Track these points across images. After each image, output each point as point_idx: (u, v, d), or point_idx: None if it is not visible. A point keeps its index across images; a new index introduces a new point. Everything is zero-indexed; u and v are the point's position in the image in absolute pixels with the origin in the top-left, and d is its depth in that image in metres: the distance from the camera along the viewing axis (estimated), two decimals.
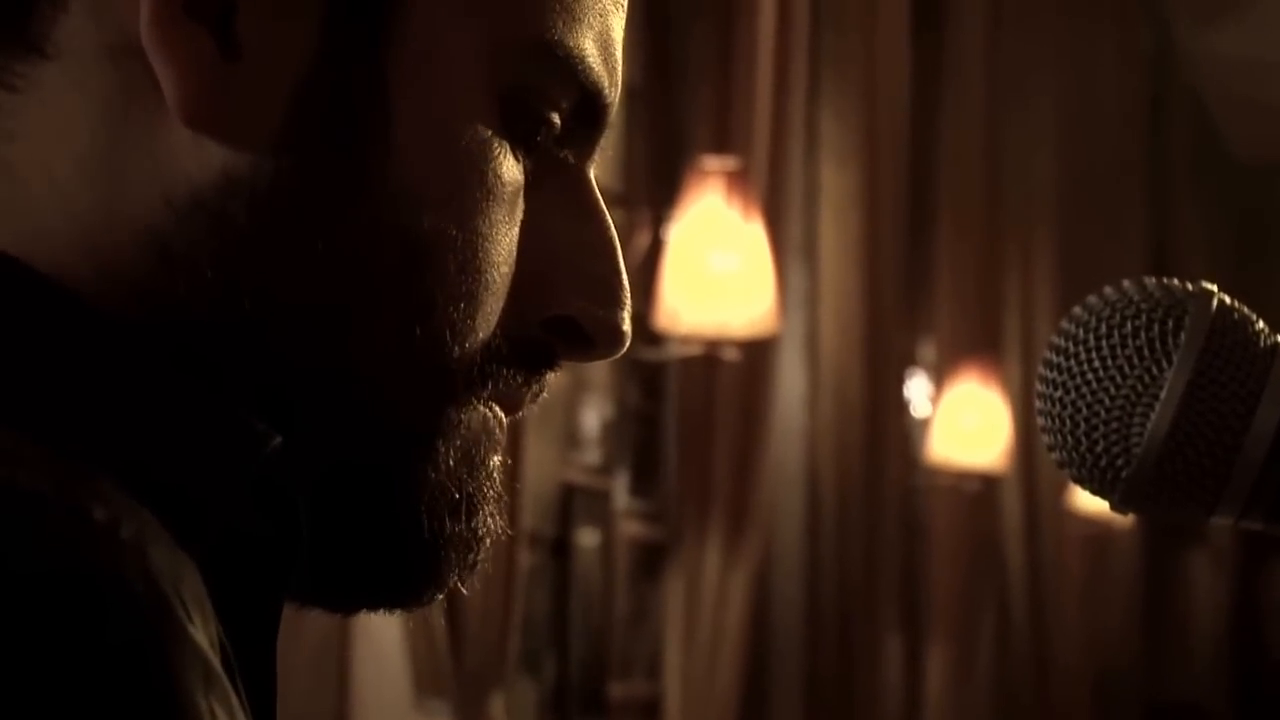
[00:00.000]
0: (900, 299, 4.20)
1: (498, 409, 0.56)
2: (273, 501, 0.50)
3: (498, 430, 0.56)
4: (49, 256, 0.50)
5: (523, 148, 0.55)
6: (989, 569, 4.76)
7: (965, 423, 4.35)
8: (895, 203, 4.14)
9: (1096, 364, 0.60)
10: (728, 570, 3.48)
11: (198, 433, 0.50)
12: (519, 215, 0.55)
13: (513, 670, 2.94)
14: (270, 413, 0.51)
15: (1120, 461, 0.59)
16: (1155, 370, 0.59)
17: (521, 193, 0.55)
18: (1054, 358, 0.61)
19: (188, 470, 0.49)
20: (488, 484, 0.55)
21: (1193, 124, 6.54)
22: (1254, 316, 0.61)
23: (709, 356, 3.31)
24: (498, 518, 0.56)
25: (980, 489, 4.50)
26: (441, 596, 0.55)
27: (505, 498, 0.56)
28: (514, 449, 2.85)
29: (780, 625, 4.06)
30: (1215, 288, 0.61)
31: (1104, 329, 0.60)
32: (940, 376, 4.50)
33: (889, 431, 4.12)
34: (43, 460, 0.45)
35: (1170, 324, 0.60)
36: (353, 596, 0.55)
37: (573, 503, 3.35)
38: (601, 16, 0.56)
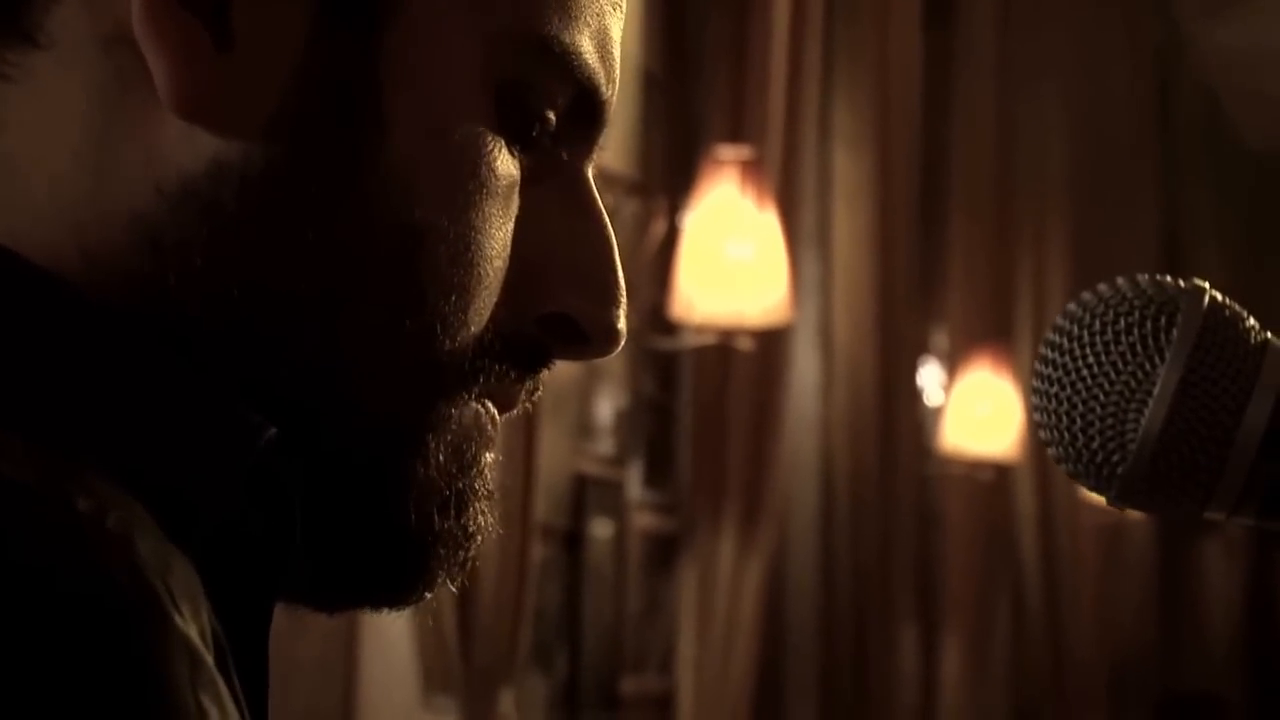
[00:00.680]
0: (913, 287, 4.19)
1: (491, 405, 0.55)
2: (267, 493, 0.49)
3: (490, 427, 0.55)
4: (40, 246, 0.50)
5: (518, 144, 0.54)
6: (1003, 558, 4.75)
7: (978, 411, 4.33)
8: (908, 191, 4.13)
9: (1090, 360, 0.60)
10: (742, 561, 3.47)
11: (192, 423, 0.49)
12: (514, 211, 0.54)
13: (523, 666, 2.92)
14: (261, 403, 0.50)
15: (1116, 458, 0.60)
16: (1148, 367, 0.60)
17: (516, 188, 0.54)
18: (1049, 354, 0.61)
19: (181, 461, 0.49)
20: (479, 481, 0.55)
21: (1202, 113, 6.51)
22: (1245, 313, 0.61)
23: (723, 346, 3.30)
24: (489, 515, 0.55)
25: (993, 478, 4.48)
26: (431, 595, 0.54)
27: (499, 494, 0.55)
28: (527, 440, 2.83)
29: (795, 616, 4.04)
30: (1208, 284, 0.62)
31: (1098, 325, 0.60)
32: (953, 365, 4.48)
33: (902, 420, 4.11)
34: (28, 451, 0.45)
35: (1163, 321, 0.60)
36: (340, 594, 0.55)
37: (585, 494, 3.33)
38: (599, 15, 0.55)
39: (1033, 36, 4.93)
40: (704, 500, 3.46)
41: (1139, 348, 0.60)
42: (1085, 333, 0.61)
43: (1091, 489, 0.62)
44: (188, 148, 0.50)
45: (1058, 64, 5.03)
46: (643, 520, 3.59)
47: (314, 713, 2.58)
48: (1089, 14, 5.28)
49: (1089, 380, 0.60)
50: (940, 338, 4.69)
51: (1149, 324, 0.60)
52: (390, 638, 2.69)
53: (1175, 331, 0.60)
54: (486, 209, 0.53)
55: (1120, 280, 0.62)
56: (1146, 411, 0.59)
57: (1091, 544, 5.07)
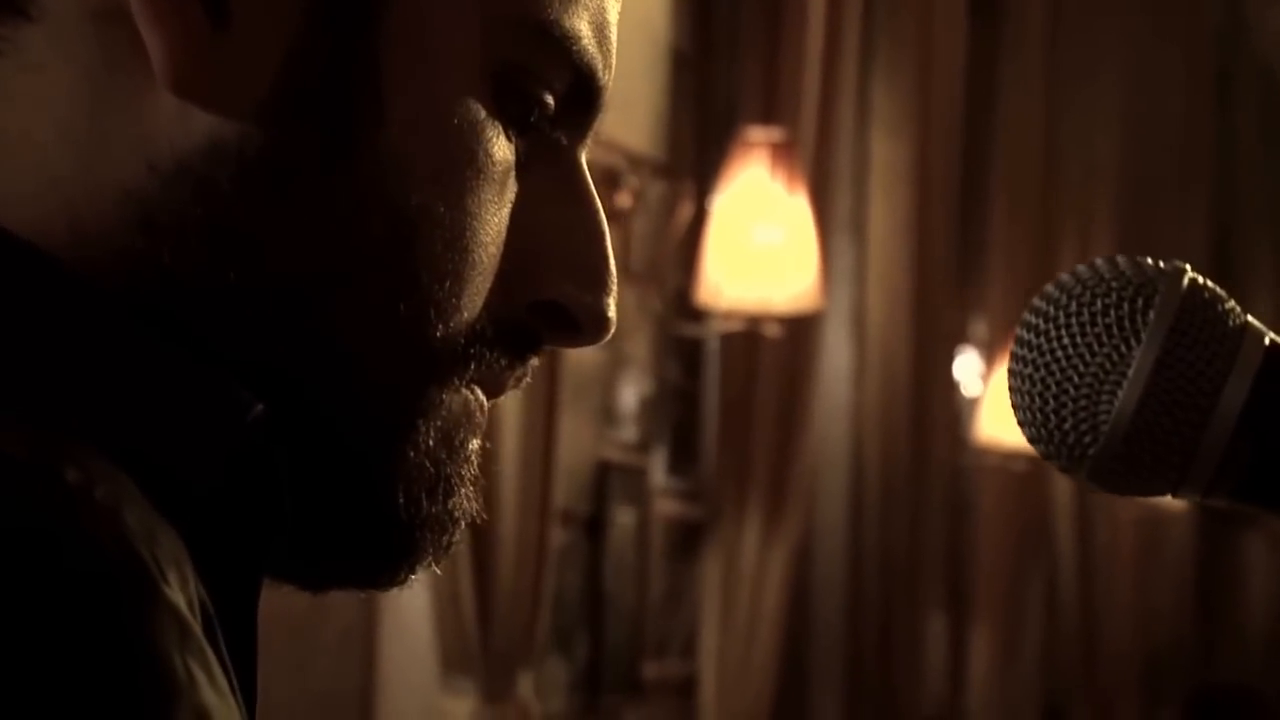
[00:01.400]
0: (951, 275, 4.12)
1: (479, 392, 0.55)
2: (255, 469, 0.49)
3: (478, 414, 0.55)
4: (29, 222, 0.50)
5: (515, 128, 0.54)
6: (1037, 549, 4.69)
7: None
8: (948, 177, 4.05)
9: (1066, 341, 0.60)
10: (766, 550, 3.44)
11: (180, 398, 0.49)
12: (509, 196, 0.54)
13: (542, 649, 2.92)
14: (252, 382, 0.50)
15: (1088, 439, 0.59)
16: (1124, 348, 0.59)
17: (512, 173, 0.54)
18: (1024, 334, 0.60)
19: (169, 436, 0.49)
20: (466, 467, 0.55)
21: (1263, 100, 6.37)
22: (1225, 295, 0.61)
23: (750, 333, 3.25)
24: (474, 501, 0.55)
25: (1029, 468, 4.41)
26: (414, 578, 0.55)
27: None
28: (548, 425, 2.81)
29: (821, 605, 4.01)
30: (1188, 266, 0.60)
31: (1074, 306, 0.60)
32: (991, 355, 4.41)
33: (937, 410, 4.05)
34: (17, 424, 0.45)
35: (1140, 302, 0.59)
36: (325, 572, 0.55)
37: (608, 480, 3.30)
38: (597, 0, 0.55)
39: (1086, 21, 4.83)
40: (729, 488, 3.43)
41: (1115, 329, 0.59)
42: (1062, 314, 0.60)
43: (1063, 470, 0.61)
44: (182, 126, 0.50)
45: (1111, 49, 4.92)
46: (666, 507, 3.56)
47: (334, 694, 2.59)
48: None
49: (1064, 361, 0.59)
50: (979, 327, 4.62)
51: (1126, 305, 0.59)
52: (410, 620, 2.69)
53: (1152, 313, 0.59)
54: (482, 194, 0.53)
55: (1099, 261, 0.61)
56: (1121, 392, 0.59)
57: (1129, 536, 5.00)
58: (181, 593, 0.44)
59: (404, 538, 0.54)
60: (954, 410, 4.35)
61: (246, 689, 0.48)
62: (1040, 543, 4.70)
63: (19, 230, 0.49)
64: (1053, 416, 0.60)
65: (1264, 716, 5.83)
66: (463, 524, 0.54)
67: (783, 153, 3.17)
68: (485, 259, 0.53)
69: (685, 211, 3.33)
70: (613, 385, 3.35)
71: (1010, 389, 0.61)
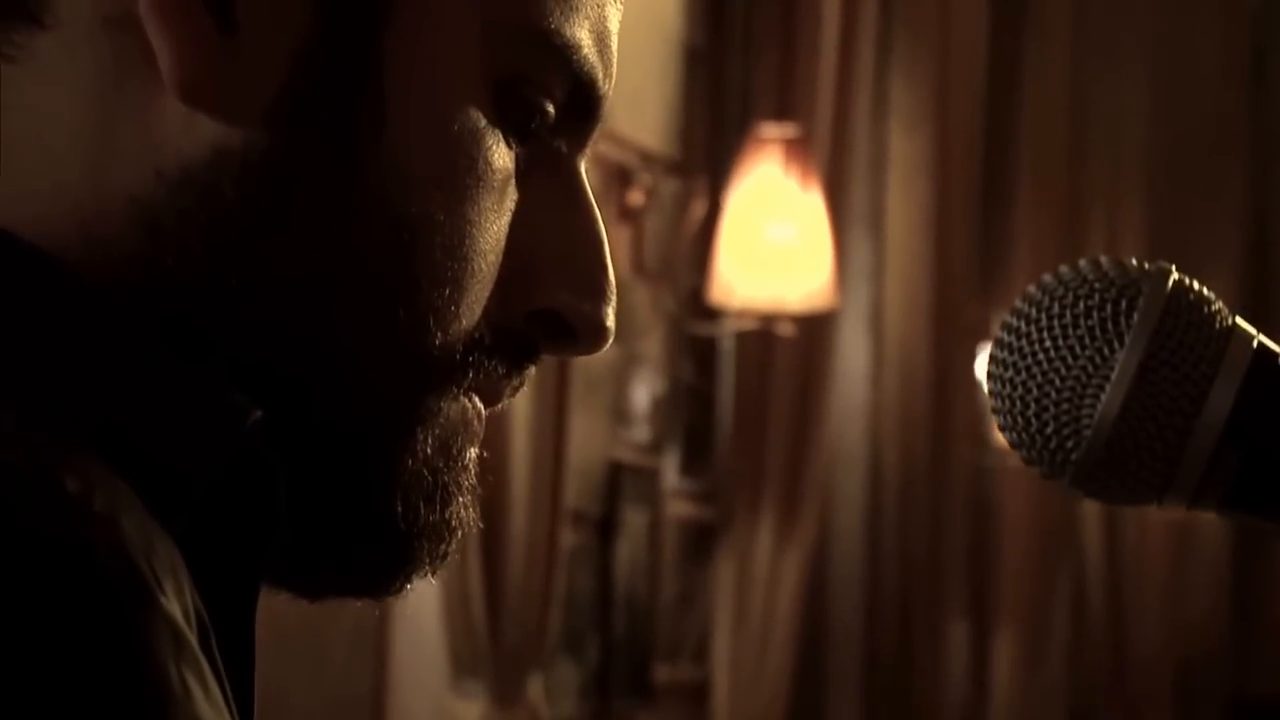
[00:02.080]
0: (972, 271, 4.06)
1: (477, 400, 0.55)
2: (253, 475, 0.50)
3: (476, 422, 0.55)
4: (38, 225, 0.50)
5: (515, 136, 0.55)
6: (1063, 552, 4.61)
7: None
8: (968, 173, 3.99)
9: (1048, 343, 0.59)
10: (780, 553, 3.41)
11: (179, 404, 0.50)
12: (509, 204, 0.55)
13: (552, 651, 2.91)
14: (251, 387, 0.51)
15: (1070, 444, 0.58)
16: (1107, 351, 0.58)
17: (512, 182, 0.55)
18: (1006, 337, 0.60)
19: (167, 442, 0.49)
20: (464, 475, 0.55)
21: None
22: (1212, 297, 0.59)
23: (765, 331, 3.22)
24: (472, 510, 0.56)
25: None
26: (410, 586, 0.55)
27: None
28: (559, 425, 2.78)
29: (838, 610, 3.95)
30: (1173, 267, 0.59)
31: (1056, 308, 0.59)
32: None
33: (957, 409, 3.99)
34: (16, 431, 0.45)
35: (1124, 304, 0.58)
36: (323, 581, 0.55)
37: (620, 481, 3.28)
38: (599, 8, 0.56)
39: (1113, 5, 4.73)
40: (742, 490, 3.41)
41: (1098, 331, 0.58)
42: (1044, 315, 0.59)
43: (1045, 476, 0.60)
44: (188, 133, 0.51)
45: (1140, 32, 4.81)
46: (678, 508, 3.52)
47: (344, 696, 2.59)
48: None
49: (1045, 364, 0.59)
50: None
51: (1109, 306, 0.58)
52: (420, 622, 2.70)
53: (1136, 314, 0.58)
54: (482, 202, 0.53)
55: (1083, 262, 0.60)
56: (1103, 396, 0.58)
57: (1160, 541, 4.91)
58: (178, 603, 0.44)
59: (401, 546, 0.54)
60: (976, 410, 4.28)
61: (243, 698, 0.49)
62: (1067, 545, 4.62)
63: (26, 231, 0.50)
64: (1034, 420, 0.59)
65: None
66: (460, 533, 0.55)
67: (797, 148, 3.14)
68: (485, 267, 0.54)
69: (698, 209, 3.29)
70: (625, 384, 3.32)
71: (990, 392, 0.60)
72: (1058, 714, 4.60)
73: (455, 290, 0.53)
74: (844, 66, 3.39)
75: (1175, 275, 0.59)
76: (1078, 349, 0.58)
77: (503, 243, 0.54)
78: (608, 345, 0.57)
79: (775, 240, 3.13)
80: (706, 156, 3.44)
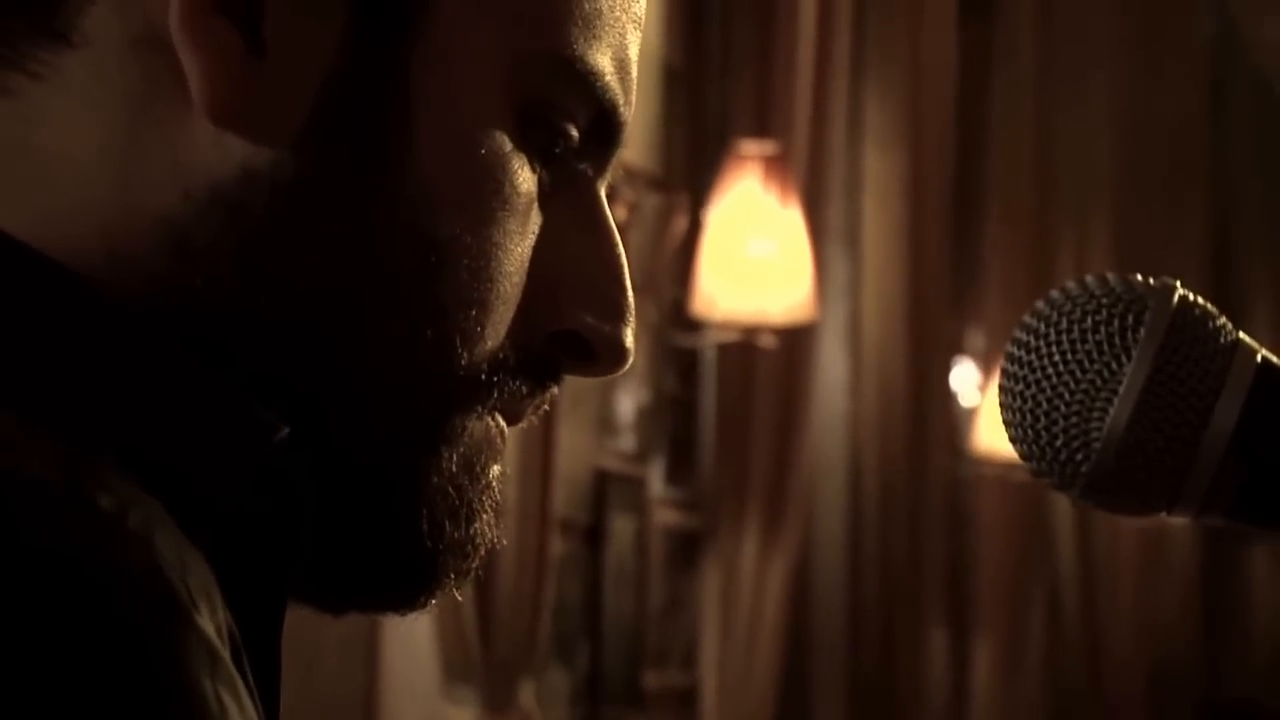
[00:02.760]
0: (946, 286, 4.14)
1: (500, 419, 0.56)
2: (278, 492, 0.50)
3: (499, 440, 0.56)
4: (64, 242, 0.50)
5: (539, 159, 0.55)
6: (1039, 561, 4.69)
7: None
8: (941, 188, 4.08)
9: (1057, 358, 0.60)
10: (765, 561, 3.45)
11: (206, 421, 0.50)
12: (533, 227, 0.55)
13: (542, 658, 2.93)
14: (278, 405, 0.51)
15: (1080, 456, 0.60)
16: (1115, 365, 0.59)
17: (536, 204, 0.55)
18: (1015, 351, 0.61)
19: (195, 457, 0.49)
20: (486, 493, 0.56)
21: (1257, 109, 6.38)
22: (1216, 312, 0.61)
23: (746, 343, 3.28)
24: (495, 528, 0.56)
25: (1028, 478, 4.42)
26: (435, 603, 0.55)
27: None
28: (546, 435, 2.82)
29: (821, 616, 4.01)
30: (1179, 283, 0.61)
31: (1065, 323, 0.60)
32: (989, 365, 4.43)
33: (934, 420, 4.07)
34: (49, 448, 0.46)
35: (1130, 319, 0.60)
36: (346, 596, 0.56)
37: (607, 490, 3.32)
38: (620, 34, 0.56)
39: (1078, 30, 4.85)
40: (727, 498, 3.45)
41: (1106, 346, 0.59)
42: (1052, 331, 0.60)
43: (1056, 488, 0.61)
44: (217, 153, 0.51)
45: (1103, 58, 4.94)
46: (664, 517, 3.57)
47: (336, 701, 2.59)
48: (1138, 5, 5.18)
49: (1054, 379, 0.60)
50: (976, 337, 4.63)
51: (1116, 322, 0.60)
52: (411, 628, 2.70)
53: (1143, 330, 0.59)
54: (507, 225, 0.54)
55: (1089, 278, 0.61)
56: (1112, 409, 0.59)
57: (1132, 547, 4.99)
58: (211, 621, 0.44)
59: (426, 563, 0.54)
60: (951, 421, 4.37)
61: (271, 712, 0.50)
62: (1042, 553, 4.70)
63: (53, 249, 0.50)
64: (1044, 434, 0.60)
65: None
66: (483, 550, 0.55)
67: (775, 165, 3.20)
68: (509, 288, 0.54)
69: (680, 224, 3.36)
70: (610, 395, 3.37)
71: (1001, 405, 0.61)
72: (1036, 716, 4.68)
73: (481, 311, 0.53)
74: (820, 86, 3.46)
75: (1180, 291, 0.60)
76: (1086, 363, 0.59)
77: (527, 265, 0.55)
78: (628, 366, 0.57)
79: (756, 255, 3.19)
80: (687, 173, 3.50)
